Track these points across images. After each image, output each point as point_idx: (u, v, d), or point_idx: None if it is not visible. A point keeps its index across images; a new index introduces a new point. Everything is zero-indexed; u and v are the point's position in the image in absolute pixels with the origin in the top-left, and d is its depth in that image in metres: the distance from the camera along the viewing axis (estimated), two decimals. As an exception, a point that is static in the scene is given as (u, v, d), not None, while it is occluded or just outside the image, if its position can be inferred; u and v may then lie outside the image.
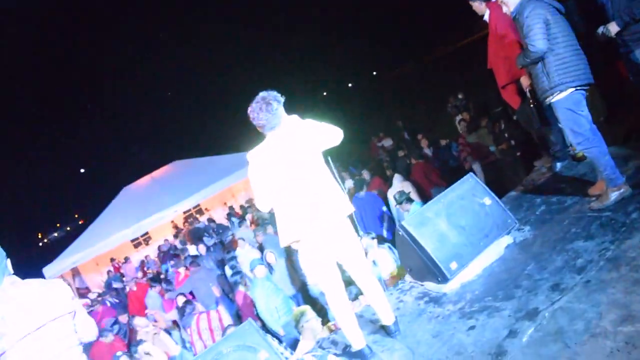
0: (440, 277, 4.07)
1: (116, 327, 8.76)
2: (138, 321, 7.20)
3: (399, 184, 8.51)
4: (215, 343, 3.31)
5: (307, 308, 4.98)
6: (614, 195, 4.03)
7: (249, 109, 3.42)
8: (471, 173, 4.67)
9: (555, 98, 4.12)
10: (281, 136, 3.43)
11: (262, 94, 3.42)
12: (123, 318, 9.86)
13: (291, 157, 3.38)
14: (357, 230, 6.03)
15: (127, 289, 12.60)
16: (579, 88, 4.05)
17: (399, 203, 7.49)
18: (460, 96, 15.67)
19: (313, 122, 3.54)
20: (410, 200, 7.46)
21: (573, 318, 2.93)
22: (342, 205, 3.52)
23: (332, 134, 3.55)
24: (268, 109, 3.35)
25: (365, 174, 11.71)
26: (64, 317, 2.63)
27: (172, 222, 18.17)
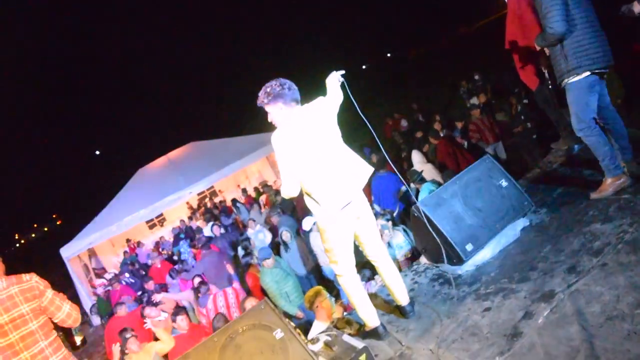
0: (456, 258, 4.06)
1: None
2: (149, 312, 7.28)
3: (419, 163, 8.44)
4: (231, 321, 3.34)
5: (320, 289, 5.00)
6: (612, 186, 4.01)
7: (270, 87, 3.35)
8: (488, 154, 4.63)
9: (571, 80, 4.05)
10: (303, 115, 3.35)
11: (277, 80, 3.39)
12: (149, 285, 10.12)
13: (315, 134, 3.31)
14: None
15: (151, 263, 12.82)
16: (596, 71, 3.98)
17: (413, 181, 7.47)
18: (476, 77, 15.48)
19: (325, 101, 3.48)
20: (423, 180, 7.43)
21: (590, 300, 2.92)
22: (364, 168, 3.47)
23: (335, 95, 3.53)
24: (291, 85, 3.35)
25: (374, 158, 11.65)
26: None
27: (187, 203, 18.32)
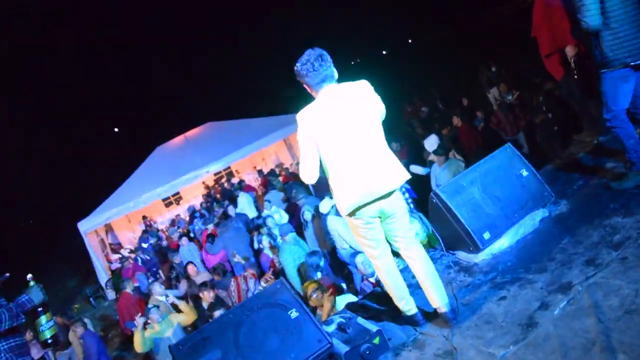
0: (473, 246, 4.05)
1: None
2: (154, 288, 7.43)
3: (432, 145, 8.41)
4: (246, 299, 3.38)
5: (315, 284, 5.06)
6: (635, 180, 3.96)
7: (298, 63, 3.13)
8: (509, 143, 4.58)
9: (605, 71, 3.96)
10: (334, 94, 3.12)
11: (311, 49, 3.13)
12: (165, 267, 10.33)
13: (346, 117, 3.07)
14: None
15: (166, 243, 13.01)
16: (632, 64, 3.87)
17: (435, 153, 7.48)
18: (493, 69, 15.27)
19: (369, 86, 3.21)
20: (445, 154, 7.45)
21: (607, 294, 2.89)
22: (399, 172, 3.18)
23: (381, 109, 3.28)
24: (321, 61, 3.08)
25: (395, 146, 11.60)
26: None
27: (204, 182, 18.45)
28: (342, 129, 3.06)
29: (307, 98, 3.29)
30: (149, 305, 6.61)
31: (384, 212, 3.23)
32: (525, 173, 4.34)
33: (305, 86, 3.22)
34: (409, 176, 3.24)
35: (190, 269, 8.39)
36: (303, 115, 3.14)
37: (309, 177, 3.20)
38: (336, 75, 3.18)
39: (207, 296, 6.56)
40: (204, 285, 6.81)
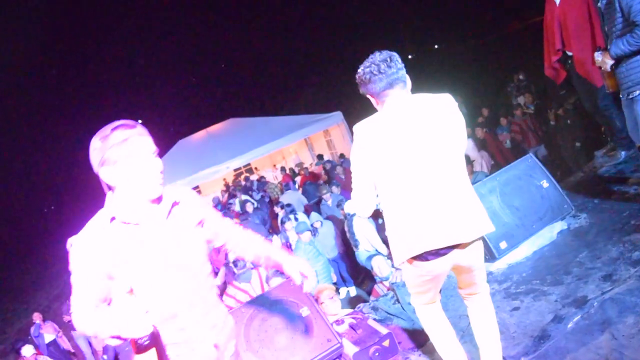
0: (488, 255, 4.02)
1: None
2: None
3: (472, 152, 8.40)
4: (260, 295, 3.41)
5: (327, 287, 5.04)
6: None
7: (360, 68, 2.47)
8: (531, 154, 4.55)
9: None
10: (406, 105, 2.42)
11: (377, 51, 2.46)
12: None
13: (421, 135, 2.34)
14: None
15: None
16: None
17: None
18: (521, 77, 15.12)
19: (453, 103, 2.47)
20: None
21: (623, 310, 2.86)
22: (481, 222, 2.44)
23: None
24: (390, 62, 2.41)
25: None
26: None
27: (224, 180, 18.57)
28: (413, 150, 2.34)
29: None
30: None
31: (459, 265, 2.52)
32: (546, 184, 4.31)
33: (369, 97, 2.55)
34: (493, 228, 2.53)
35: None
36: (363, 128, 2.44)
37: (360, 207, 2.57)
38: (409, 83, 2.52)
39: None
40: None
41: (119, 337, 1.78)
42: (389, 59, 2.42)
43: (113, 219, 1.84)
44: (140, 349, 1.74)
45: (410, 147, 2.33)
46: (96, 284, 1.83)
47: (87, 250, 1.81)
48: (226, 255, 8.58)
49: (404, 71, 2.46)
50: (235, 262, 7.40)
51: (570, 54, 5.20)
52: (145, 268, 1.85)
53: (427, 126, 2.35)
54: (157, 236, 1.89)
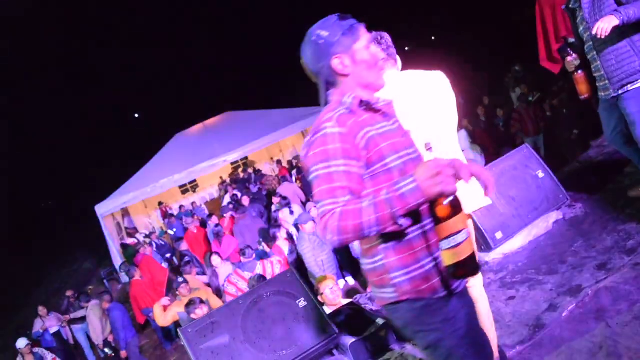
0: (484, 245, 4.05)
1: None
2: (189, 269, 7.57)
3: (464, 142, 8.40)
4: (256, 287, 3.42)
5: (327, 278, 5.04)
6: None
7: None
8: (526, 144, 4.56)
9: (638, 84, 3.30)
10: (397, 84, 2.38)
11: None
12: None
13: (410, 114, 2.25)
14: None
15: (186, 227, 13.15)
16: None
17: None
18: (517, 68, 15.11)
19: (446, 80, 2.51)
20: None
21: (617, 299, 2.88)
22: (478, 195, 2.43)
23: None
24: (381, 42, 2.43)
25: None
26: None
27: (221, 177, 18.55)
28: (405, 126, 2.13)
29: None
30: (179, 279, 6.76)
31: None
32: (541, 174, 4.32)
33: None
34: (489, 201, 2.58)
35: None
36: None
37: None
38: (399, 61, 2.54)
39: (198, 313, 5.45)
40: (191, 302, 5.75)
41: (423, 202, 1.48)
42: (379, 37, 2.43)
43: (360, 102, 1.71)
44: (449, 210, 1.50)
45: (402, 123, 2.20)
46: (357, 168, 1.62)
47: (347, 132, 1.63)
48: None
49: (394, 49, 2.47)
50: (243, 251, 7.42)
51: (571, 40, 5.19)
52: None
53: (419, 102, 2.34)
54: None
